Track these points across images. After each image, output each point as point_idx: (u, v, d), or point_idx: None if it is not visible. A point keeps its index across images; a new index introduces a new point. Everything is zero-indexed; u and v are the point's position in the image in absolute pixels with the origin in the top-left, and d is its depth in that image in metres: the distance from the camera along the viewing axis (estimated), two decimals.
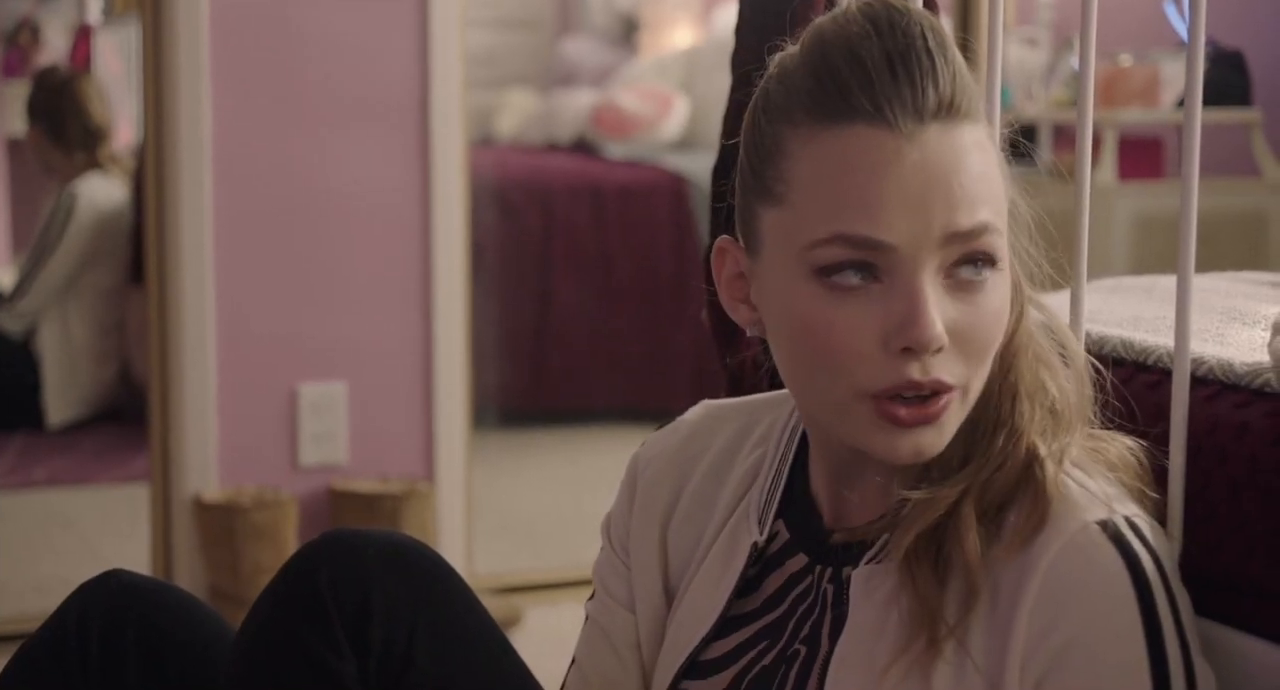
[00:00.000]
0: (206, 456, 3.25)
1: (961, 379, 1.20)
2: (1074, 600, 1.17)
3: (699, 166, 5.27)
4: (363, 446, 3.35)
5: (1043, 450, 1.23)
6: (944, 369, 1.19)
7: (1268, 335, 1.50)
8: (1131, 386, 1.42)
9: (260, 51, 3.27)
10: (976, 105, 1.23)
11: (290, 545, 3.19)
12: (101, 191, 4.52)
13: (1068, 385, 1.28)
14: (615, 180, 5.22)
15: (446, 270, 3.37)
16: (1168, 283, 1.88)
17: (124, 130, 4.69)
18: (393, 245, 3.36)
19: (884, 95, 1.19)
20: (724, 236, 1.32)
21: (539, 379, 5.05)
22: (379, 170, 3.34)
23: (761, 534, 1.35)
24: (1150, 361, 1.45)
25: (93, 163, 4.53)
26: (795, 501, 1.36)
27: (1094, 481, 1.23)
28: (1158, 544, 1.21)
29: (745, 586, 1.36)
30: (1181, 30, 4.65)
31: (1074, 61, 4.40)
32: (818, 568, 1.32)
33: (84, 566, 3.59)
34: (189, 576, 3.23)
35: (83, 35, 4.83)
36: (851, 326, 1.19)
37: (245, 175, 3.26)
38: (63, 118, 4.53)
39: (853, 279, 1.19)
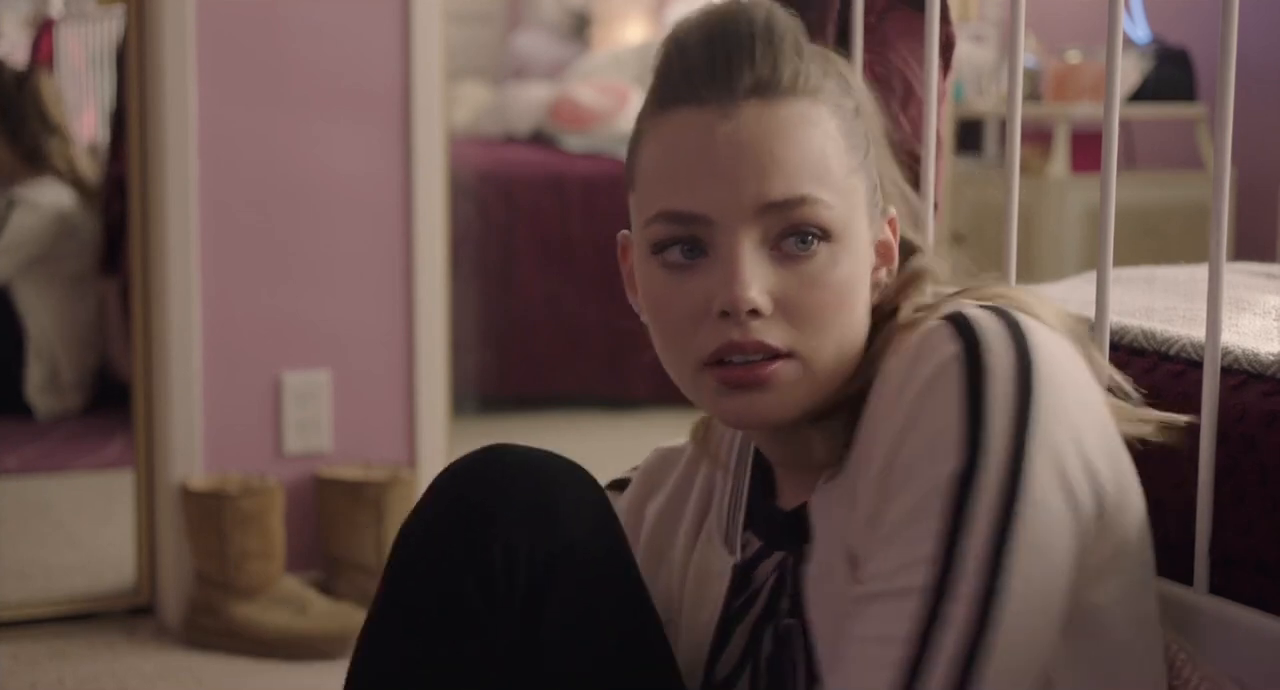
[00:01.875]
0: (191, 444, 3.27)
1: (791, 344, 1.23)
2: (903, 378, 1.18)
3: None
4: (346, 434, 3.39)
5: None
6: (767, 332, 1.22)
7: None
8: (1155, 376, 1.45)
9: (245, 41, 3.29)
10: (812, 85, 1.25)
11: (277, 532, 3.22)
12: (46, 196, 4.50)
13: None
14: (575, 172, 5.26)
15: (427, 259, 3.41)
16: (1165, 273, 1.95)
17: (88, 123, 4.69)
18: (375, 234, 3.39)
19: (700, 77, 1.24)
20: (623, 232, 1.39)
21: (513, 366, 5.10)
22: (361, 160, 3.37)
23: (734, 554, 1.40)
24: (1173, 352, 1.47)
25: (44, 166, 4.49)
26: (757, 507, 1.41)
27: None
28: (1030, 327, 1.18)
29: (726, 605, 1.41)
30: (1129, 28, 4.75)
31: (1026, 58, 4.49)
32: (789, 556, 1.36)
33: (63, 553, 3.62)
34: (175, 563, 3.26)
35: (45, 29, 4.82)
36: (683, 301, 1.25)
37: (230, 164, 3.29)
38: (21, 116, 4.50)
39: (679, 257, 1.25)
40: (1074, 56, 4.71)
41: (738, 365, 1.23)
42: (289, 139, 3.32)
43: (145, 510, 3.33)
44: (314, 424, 3.36)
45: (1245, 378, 1.41)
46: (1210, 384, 1.39)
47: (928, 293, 1.34)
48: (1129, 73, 4.60)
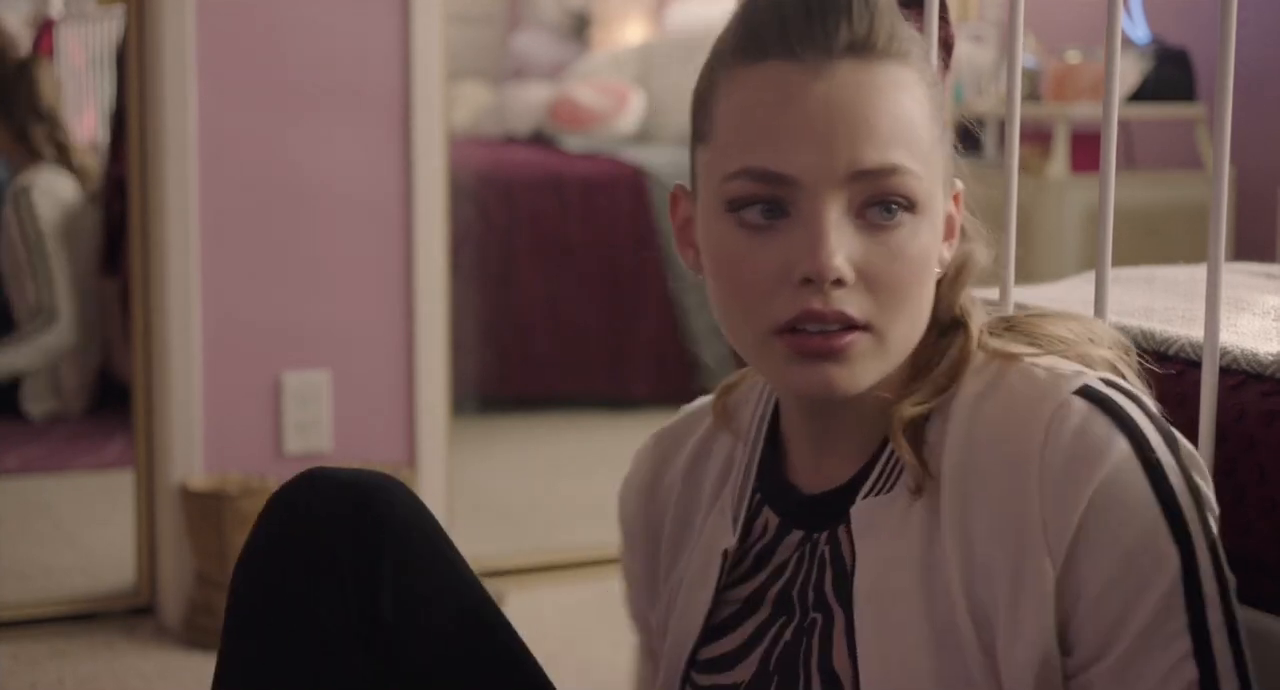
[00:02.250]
0: (192, 444, 3.27)
1: (869, 316, 1.20)
2: (1074, 474, 1.17)
3: (656, 159, 5.34)
4: (346, 434, 3.39)
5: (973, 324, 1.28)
6: (848, 302, 1.19)
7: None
8: (1153, 376, 1.47)
9: (245, 42, 3.29)
10: (904, 48, 1.23)
11: None
12: (58, 185, 4.51)
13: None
14: (575, 172, 5.27)
15: (427, 260, 3.41)
16: (1165, 273, 1.95)
17: (88, 122, 4.70)
18: (375, 235, 3.39)
19: (795, 32, 1.20)
20: (678, 183, 1.34)
21: (513, 367, 5.10)
22: (362, 161, 3.38)
23: (734, 536, 1.37)
24: (1172, 352, 1.48)
25: (42, 149, 4.50)
26: (773, 483, 1.38)
27: (1052, 360, 1.25)
28: (1138, 389, 1.24)
29: (741, 577, 1.38)
30: (1128, 28, 4.75)
31: (1025, 58, 4.49)
32: (815, 535, 1.33)
33: (63, 553, 3.62)
34: (174, 563, 3.27)
35: (45, 28, 4.83)
36: (759, 263, 1.21)
37: (230, 165, 3.29)
38: (17, 98, 4.50)
39: (759, 217, 1.21)
40: (1073, 57, 4.70)
41: (813, 334, 1.20)
42: (289, 139, 3.32)
43: (145, 510, 3.33)
44: (314, 424, 3.36)
45: (1244, 378, 1.42)
46: (1209, 384, 1.40)
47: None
48: (1128, 73, 4.59)
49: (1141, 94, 4.65)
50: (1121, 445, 1.18)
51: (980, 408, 1.24)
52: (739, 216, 1.22)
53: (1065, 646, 1.19)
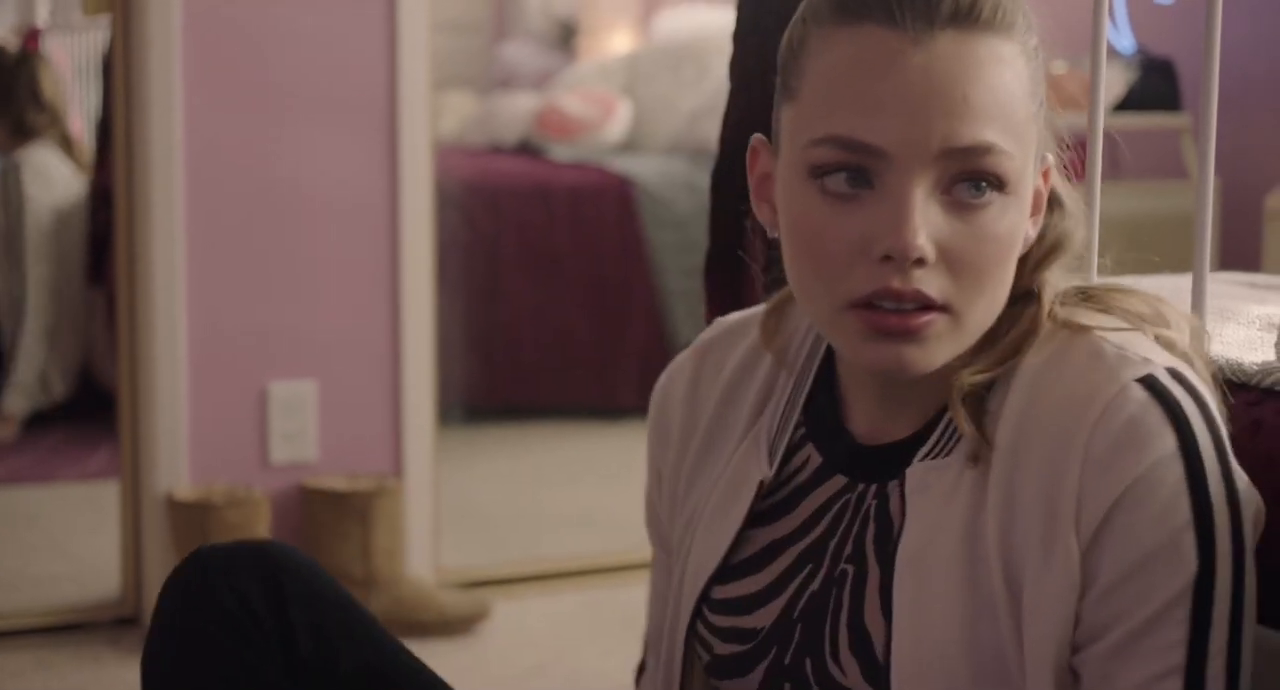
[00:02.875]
0: (177, 454, 3.27)
1: (948, 297, 1.18)
2: (1117, 461, 1.16)
3: (643, 168, 5.35)
4: (332, 444, 3.39)
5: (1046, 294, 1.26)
6: (927, 282, 1.17)
7: (1266, 335, 1.57)
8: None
9: (231, 51, 3.29)
10: (1009, 19, 1.20)
11: None
12: (52, 167, 4.50)
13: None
14: (562, 182, 5.27)
15: (414, 269, 3.41)
16: (1150, 284, 1.95)
17: (74, 130, 4.69)
18: (361, 244, 3.39)
19: None
20: (757, 135, 1.30)
21: (500, 376, 5.10)
22: (348, 170, 3.38)
23: (771, 468, 1.34)
24: None
25: (41, 134, 4.49)
26: (823, 423, 1.34)
27: (1127, 340, 1.22)
28: (1203, 389, 1.21)
29: (769, 514, 1.35)
30: (1114, 39, 4.77)
31: None
32: (860, 486, 1.30)
33: (49, 563, 3.62)
34: (160, 573, 3.25)
35: (31, 37, 4.82)
36: (840, 234, 1.18)
37: (216, 174, 3.29)
38: (16, 88, 4.49)
39: (843, 186, 1.18)
40: (1060, 67, 4.72)
41: (890, 312, 1.18)
42: (275, 148, 3.32)
43: (131, 521, 3.32)
44: (300, 434, 3.36)
45: (1262, 394, 1.42)
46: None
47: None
48: (1114, 83, 4.61)
49: (1127, 104, 4.67)
50: (1169, 443, 1.16)
51: (1042, 378, 1.21)
52: (822, 183, 1.19)
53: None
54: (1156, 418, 1.17)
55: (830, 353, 1.35)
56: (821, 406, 1.35)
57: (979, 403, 1.24)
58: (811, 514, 1.33)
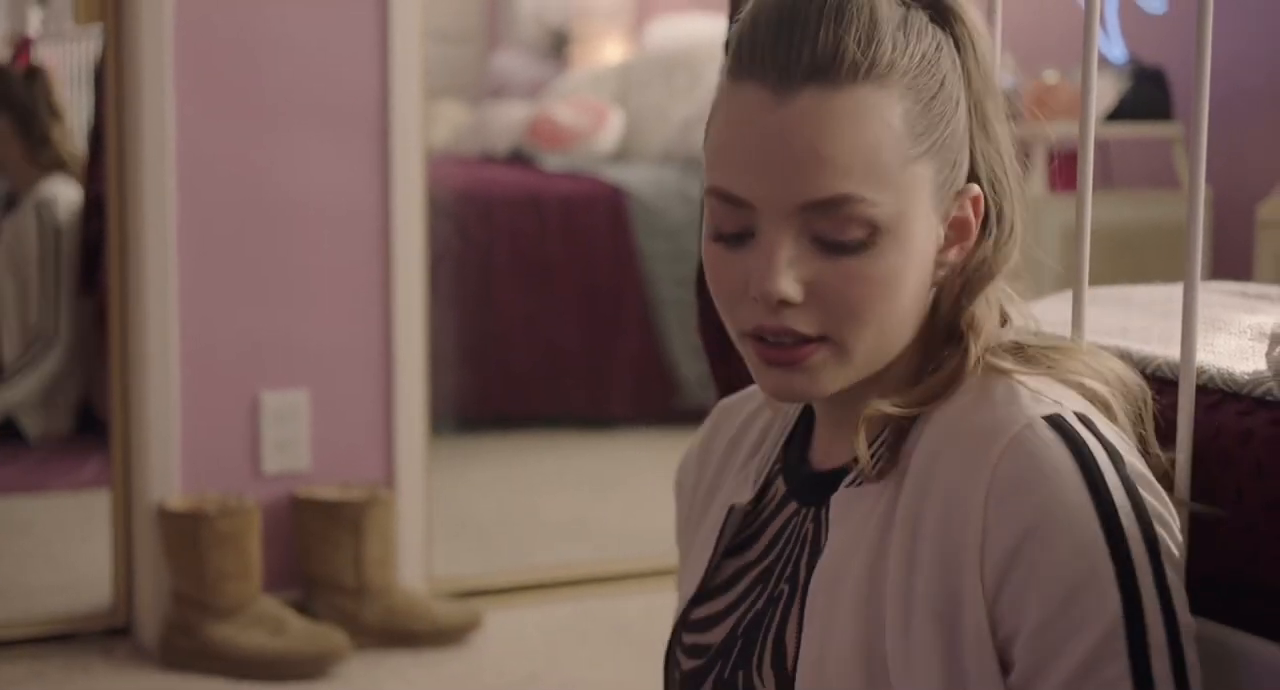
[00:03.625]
0: (169, 464, 3.27)
1: (824, 330, 1.24)
2: (1020, 493, 1.19)
3: (635, 178, 5.35)
4: (325, 454, 3.39)
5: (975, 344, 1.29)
6: (797, 319, 1.23)
7: (1257, 345, 1.57)
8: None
9: (223, 60, 3.29)
10: (880, 68, 1.22)
11: (255, 552, 3.22)
12: (66, 196, 4.49)
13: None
14: (554, 191, 5.27)
15: (406, 279, 3.41)
16: (1141, 293, 1.96)
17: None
18: (353, 253, 3.39)
19: (765, 55, 1.22)
20: None
21: (492, 386, 5.10)
22: (340, 179, 3.38)
23: (749, 494, 1.41)
24: (1149, 371, 1.48)
25: (55, 162, 4.47)
26: (793, 455, 1.41)
27: (1043, 385, 1.26)
28: (1110, 434, 1.24)
29: (744, 542, 1.41)
30: (1106, 48, 4.77)
31: (1003, 77, 4.50)
32: (805, 510, 1.36)
33: (40, 573, 3.61)
34: (152, 584, 3.26)
35: (23, 46, 4.82)
36: (729, 274, 1.26)
37: (208, 183, 3.29)
38: (34, 109, 4.47)
39: (729, 231, 1.25)
40: (1051, 76, 4.72)
41: (771, 345, 1.25)
42: (267, 158, 3.32)
43: (123, 531, 3.32)
44: (292, 444, 3.36)
45: (1220, 397, 1.42)
46: (1185, 404, 1.39)
47: (992, 302, 1.32)
48: (1105, 92, 4.61)
49: (1119, 113, 4.67)
50: (1074, 479, 1.19)
51: (957, 413, 1.26)
52: (715, 228, 1.27)
53: (1004, 663, 1.20)
54: (1060, 454, 1.20)
55: None
56: (798, 441, 1.41)
57: (900, 433, 1.29)
58: (770, 539, 1.39)
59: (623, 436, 4.96)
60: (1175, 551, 1.24)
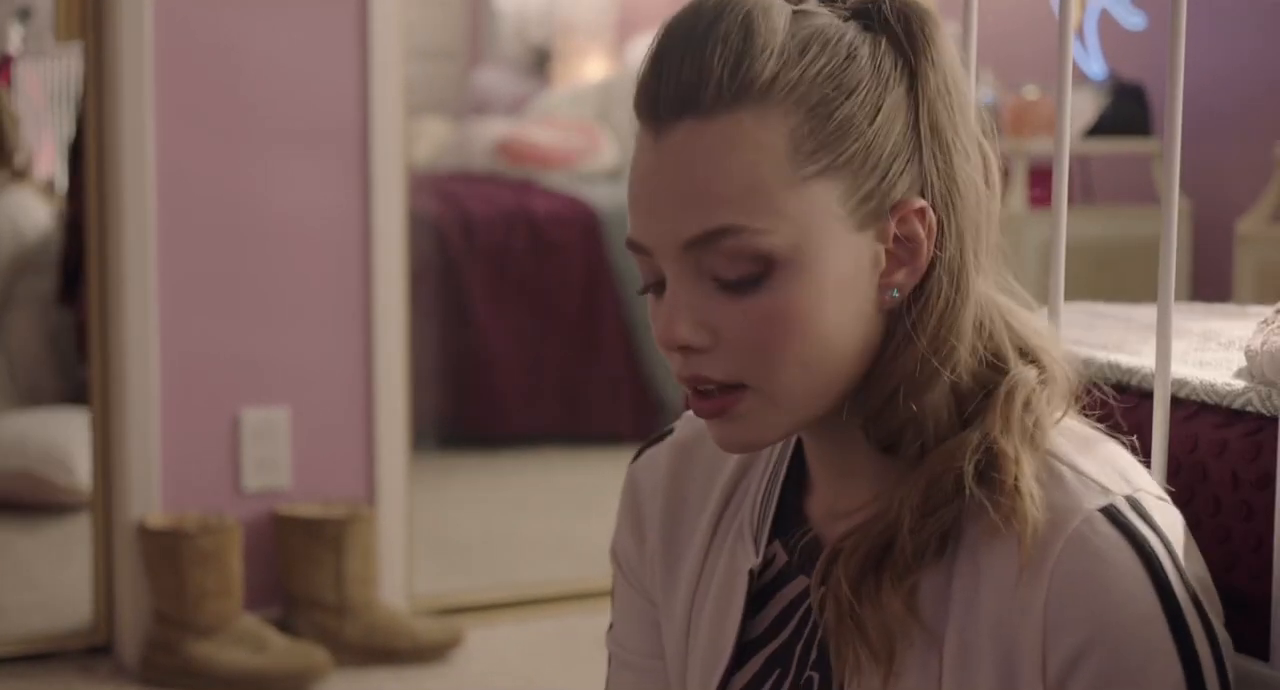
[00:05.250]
0: (149, 482, 3.26)
1: (739, 376, 1.16)
2: (1085, 597, 1.12)
3: (609, 197, 5.35)
4: (305, 471, 3.38)
5: (1006, 447, 1.16)
6: (708, 366, 1.16)
7: (1206, 344, 1.60)
8: (1109, 407, 1.47)
9: (203, 77, 3.29)
10: (753, 90, 1.14)
11: (236, 570, 3.21)
12: (26, 205, 4.48)
13: (1029, 374, 1.21)
14: (536, 209, 5.27)
15: (386, 296, 3.41)
16: (1144, 313, 1.96)
17: (46, 160, 4.68)
18: (334, 271, 3.39)
19: (643, 94, 1.17)
20: None
21: (472, 404, 5.10)
22: (320, 197, 3.38)
23: (757, 557, 1.30)
24: (1134, 383, 1.49)
25: (20, 173, 4.47)
26: (788, 519, 1.30)
27: (1083, 458, 1.18)
28: (1161, 517, 1.16)
29: (745, 613, 1.31)
30: (1085, 64, 4.79)
31: (983, 93, 4.51)
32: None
33: (20, 592, 3.60)
34: (133, 602, 3.25)
35: (3, 64, 4.82)
36: (655, 323, 1.19)
37: (188, 201, 3.28)
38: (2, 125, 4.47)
39: (647, 278, 1.20)
40: (1031, 92, 4.74)
41: (700, 394, 1.18)
42: (248, 175, 3.32)
43: (103, 549, 3.31)
44: (272, 461, 3.35)
45: (1198, 408, 1.43)
46: (1160, 416, 1.40)
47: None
48: (1085, 108, 4.63)
49: (1099, 129, 4.69)
50: (1139, 581, 1.13)
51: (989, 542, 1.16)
52: (641, 280, 1.22)
53: None
54: (1124, 554, 1.13)
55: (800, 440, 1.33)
56: (789, 496, 1.32)
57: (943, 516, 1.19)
58: (779, 614, 1.30)
59: (603, 454, 4.95)
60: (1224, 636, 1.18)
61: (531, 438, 5.13)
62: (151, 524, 3.22)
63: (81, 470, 3.60)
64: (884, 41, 1.19)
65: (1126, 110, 4.74)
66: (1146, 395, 1.47)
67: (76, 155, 3.87)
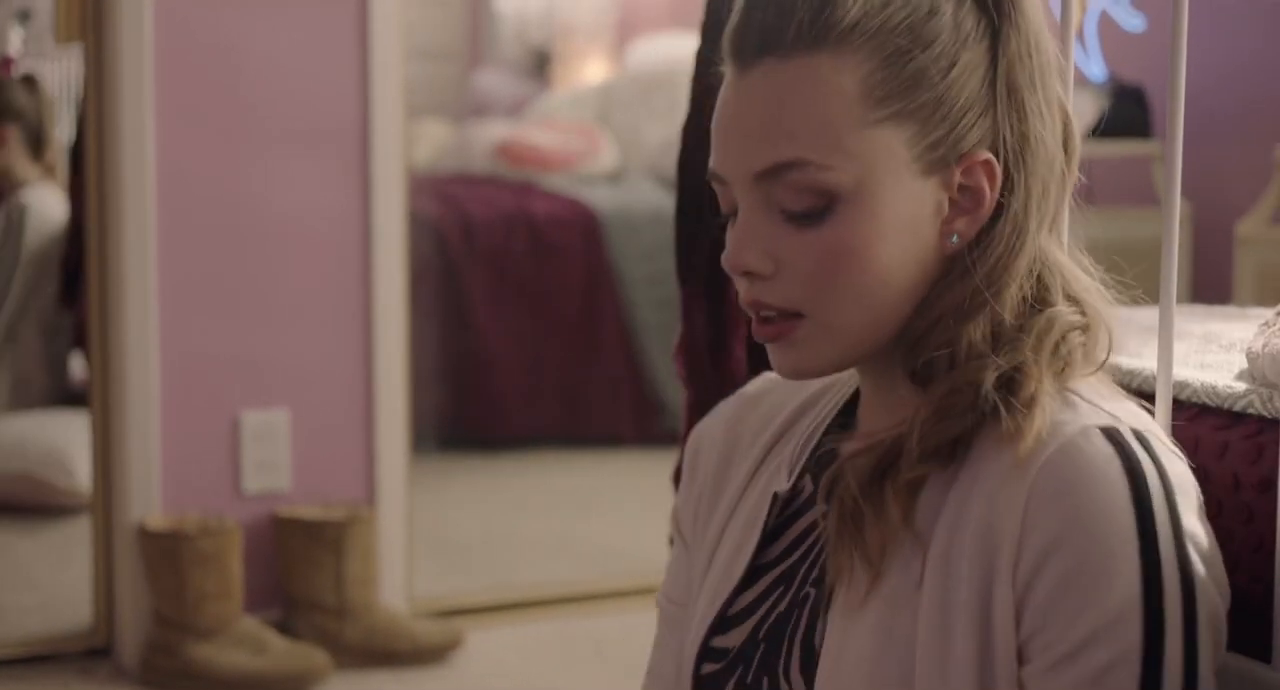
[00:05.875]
0: (149, 484, 3.26)
1: (797, 304, 1.22)
2: (1063, 496, 1.15)
3: (611, 199, 5.35)
4: (305, 473, 3.38)
5: (1030, 373, 1.21)
6: (769, 292, 1.23)
7: (1206, 346, 1.60)
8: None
9: (203, 79, 3.29)
10: (833, 34, 1.20)
11: (236, 572, 3.21)
12: (48, 201, 4.48)
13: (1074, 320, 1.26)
14: (536, 211, 5.27)
15: (386, 298, 3.41)
16: (1145, 315, 1.96)
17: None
18: (334, 272, 3.39)
19: (733, 37, 1.24)
20: None
21: (473, 405, 5.10)
22: (321, 198, 3.38)
23: (787, 482, 1.35)
24: (1134, 385, 1.49)
25: (50, 169, 4.48)
26: (824, 456, 1.35)
27: (1102, 400, 1.22)
28: (1167, 460, 1.18)
29: (767, 538, 1.35)
30: (1085, 66, 4.78)
31: None
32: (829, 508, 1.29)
33: (20, 594, 3.60)
34: (132, 604, 3.25)
35: (3, 66, 4.82)
36: (728, 250, 1.25)
37: (188, 202, 3.28)
38: (39, 116, 4.47)
39: (724, 208, 1.27)
40: None
41: (761, 320, 1.25)
42: (247, 177, 3.32)
43: (103, 551, 3.31)
44: (272, 463, 3.35)
45: (1199, 410, 1.43)
46: (1162, 418, 1.40)
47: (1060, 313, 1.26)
48: (1086, 110, 4.63)
49: (1099, 131, 4.69)
50: (1120, 490, 1.15)
51: (1041, 473, 1.18)
52: (722, 211, 1.28)
53: (1020, 658, 1.17)
54: (1111, 464, 1.16)
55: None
56: (830, 427, 1.37)
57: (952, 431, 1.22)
58: (794, 540, 1.34)
59: (603, 456, 4.95)
60: (1215, 598, 1.19)
61: (531, 439, 5.13)
62: (151, 526, 3.21)
63: (81, 472, 3.59)
64: (970, 2, 1.25)
65: (1127, 112, 4.74)
66: (1148, 397, 1.47)
67: (77, 156, 3.87)
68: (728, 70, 1.25)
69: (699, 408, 2.08)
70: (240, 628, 3.20)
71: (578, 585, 3.71)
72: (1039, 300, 1.26)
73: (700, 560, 1.42)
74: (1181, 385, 1.44)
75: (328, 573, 3.28)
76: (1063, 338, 1.24)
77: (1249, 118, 4.57)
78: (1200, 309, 1.98)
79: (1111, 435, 1.17)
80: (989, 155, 1.24)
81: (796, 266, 1.22)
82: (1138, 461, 1.16)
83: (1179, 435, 1.40)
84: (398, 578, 3.44)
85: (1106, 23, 4.79)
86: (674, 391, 4.92)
